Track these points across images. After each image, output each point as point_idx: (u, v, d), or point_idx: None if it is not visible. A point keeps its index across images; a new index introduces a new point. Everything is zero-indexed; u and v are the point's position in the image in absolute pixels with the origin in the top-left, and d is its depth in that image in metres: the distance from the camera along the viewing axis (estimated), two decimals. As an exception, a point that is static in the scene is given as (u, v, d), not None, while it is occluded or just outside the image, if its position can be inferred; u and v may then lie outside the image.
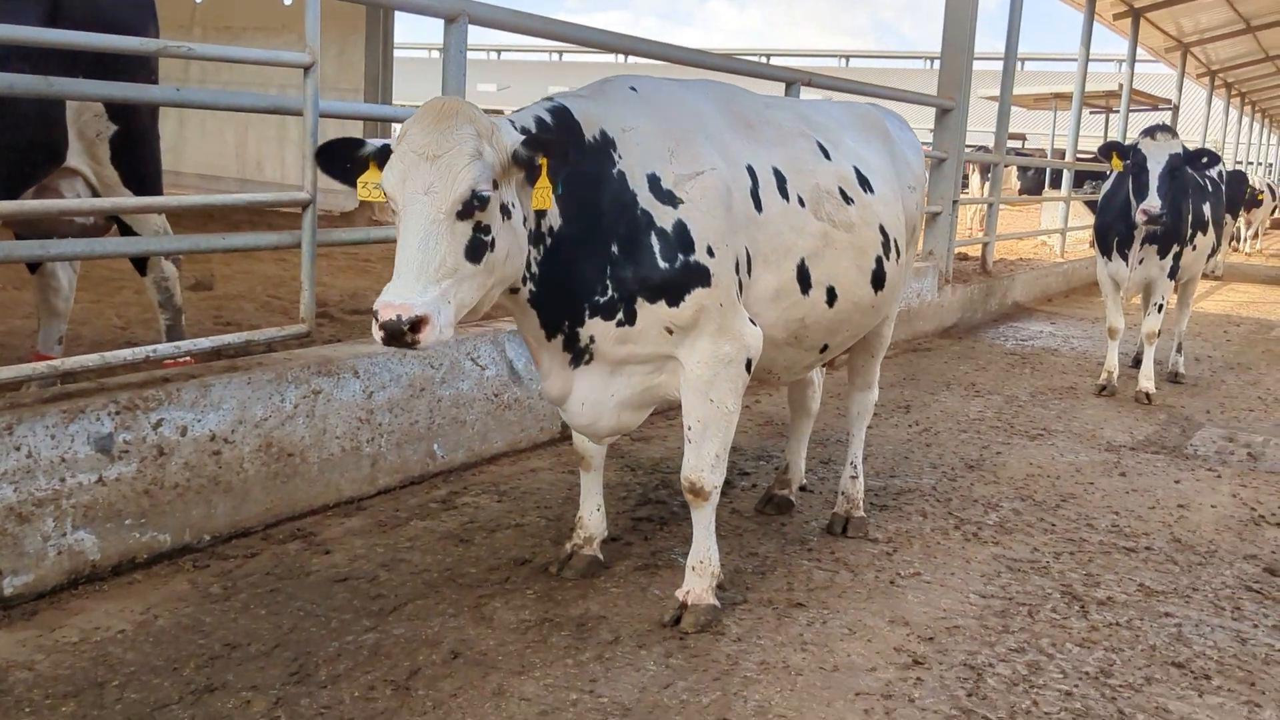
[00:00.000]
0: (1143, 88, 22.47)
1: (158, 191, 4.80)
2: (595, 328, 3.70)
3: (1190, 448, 7.12)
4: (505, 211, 3.31)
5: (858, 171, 4.44)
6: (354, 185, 3.54)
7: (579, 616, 4.02)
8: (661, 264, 3.63)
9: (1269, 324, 13.46)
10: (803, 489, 5.50)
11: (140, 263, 5.04)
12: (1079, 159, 17.04)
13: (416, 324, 3.06)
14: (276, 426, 4.54)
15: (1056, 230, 16.43)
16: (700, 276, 3.67)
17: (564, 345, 3.77)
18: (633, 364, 3.84)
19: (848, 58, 77.84)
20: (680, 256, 3.64)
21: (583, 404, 3.91)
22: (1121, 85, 18.69)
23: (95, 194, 4.60)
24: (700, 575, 4.05)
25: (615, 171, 3.62)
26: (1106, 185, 8.81)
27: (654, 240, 3.63)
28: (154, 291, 5.10)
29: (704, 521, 4.06)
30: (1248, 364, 10.52)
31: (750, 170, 3.96)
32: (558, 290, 3.63)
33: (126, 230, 4.81)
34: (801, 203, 4.10)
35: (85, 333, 7.21)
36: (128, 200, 4.43)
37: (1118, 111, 21.03)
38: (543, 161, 3.32)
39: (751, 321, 3.90)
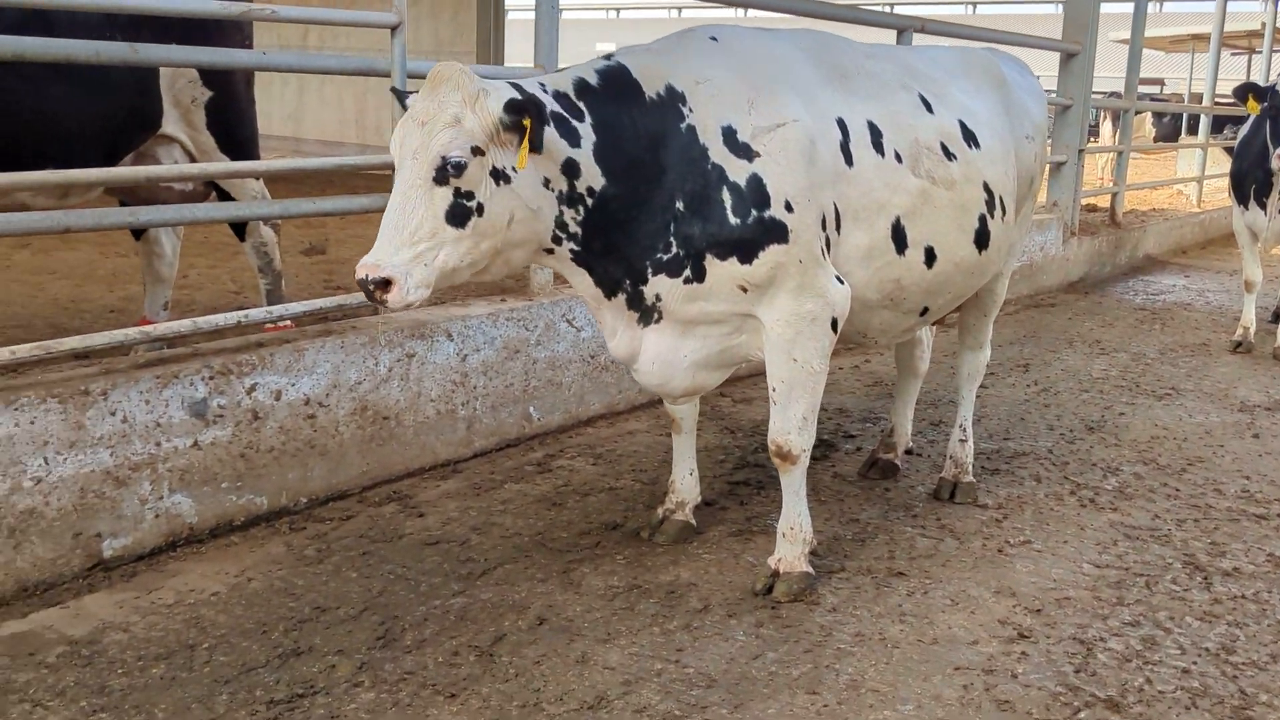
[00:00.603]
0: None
1: (254, 156, 4.83)
2: (660, 285, 3.60)
3: (1333, 408, 6.68)
4: (499, 176, 3.25)
5: (963, 125, 4.21)
6: None
7: (668, 583, 3.93)
8: (733, 220, 3.51)
9: None
10: (909, 452, 5.30)
11: (239, 228, 5.09)
12: (1218, 103, 16.15)
13: (383, 284, 3.11)
14: (371, 390, 4.54)
15: (1193, 178, 15.61)
16: (776, 232, 3.53)
17: (628, 303, 3.69)
18: (706, 323, 3.72)
19: (974, 3, 75.21)
20: (754, 212, 3.51)
21: (653, 363, 3.81)
22: (1264, 24, 17.61)
23: (192, 160, 4.64)
24: (792, 542, 3.92)
25: (684, 126, 3.50)
26: (1244, 129, 8.29)
27: (725, 195, 3.51)
28: (253, 256, 5.15)
29: (793, 486, 3.93)
30: (1401, 317, 9.84)
31: (841, 123, 3.78)
32: (610, 249, 3.56)
33: (224, 196, 4.86)
34: (899, 158, 3.91)
35: (199, 298, 7.39)
36: (219, 165, 4.46)
37: (1260, 52, 19.87)
38: (527, 123, 3.21)
39: (839, 280, 3.73)
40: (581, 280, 3.68)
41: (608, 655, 3.43)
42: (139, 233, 5.07)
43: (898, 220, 3.90)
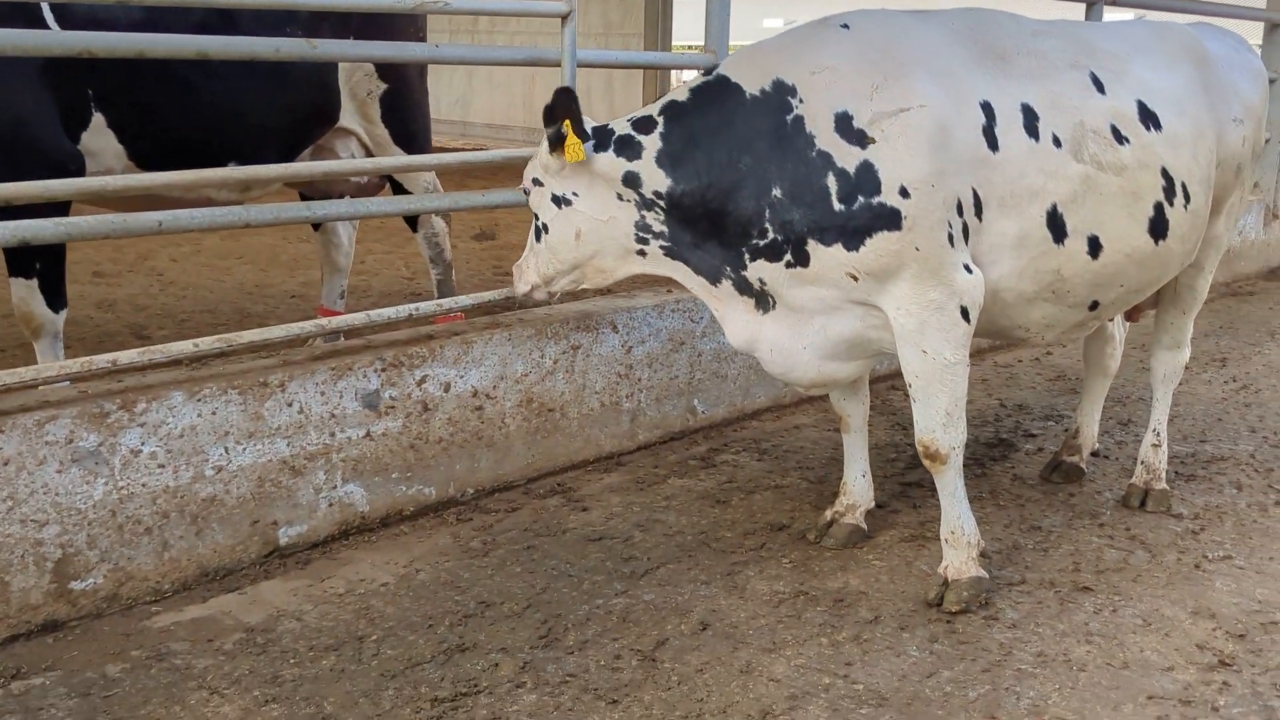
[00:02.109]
0: None
1: (427, 148, 4.88)
2: (761, 269, 3.65)
3: None
4: (559, 201, 3.78)
5: (1142, 106, 3.91)
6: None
7: (836, 591, 3.80)
8: (838, 206, 3.46)
9: None
10: (1095, 455, 5.01)
11: (412, 219, 5.15)
12: None
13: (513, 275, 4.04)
14: (537, 382, 4.54)
15: None
16: (886, 219, 3.43)
17: (738, 289, 3.75)
18: (823, 311, 3.66)
19: None
20: (861, 198, 3.44)
21: (771, 350, 3.80)
22: None
23: (368, 153, 4.71)
24: (955, 547, 3.75)
25: (790, 117, 3.54)
26: None
27: (830, 181, 3.47)
28: (425, 247, 5.20)
29: (948, 488, 3.76)
30: None
31: (986, 106, 3.59)
32: (701, 240, 3.71)
33: (398, 187, 4.92)
34: (1057, 142, 3.68)
35: (375, 283, 7.57)
36: (393, 160, 4.50)
37: None
38: (566, 124, 3.60)
39: (968, 268, 3.55)
40: (682, 273, 3.82)
41: (773, 666, 3.33)
42: (316, 224, 5.19)
43: (1054, 208, 3.67)
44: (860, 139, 3.46)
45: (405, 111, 4.78)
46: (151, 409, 3.49)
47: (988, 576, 3.76)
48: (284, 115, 4.30)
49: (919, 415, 3.70)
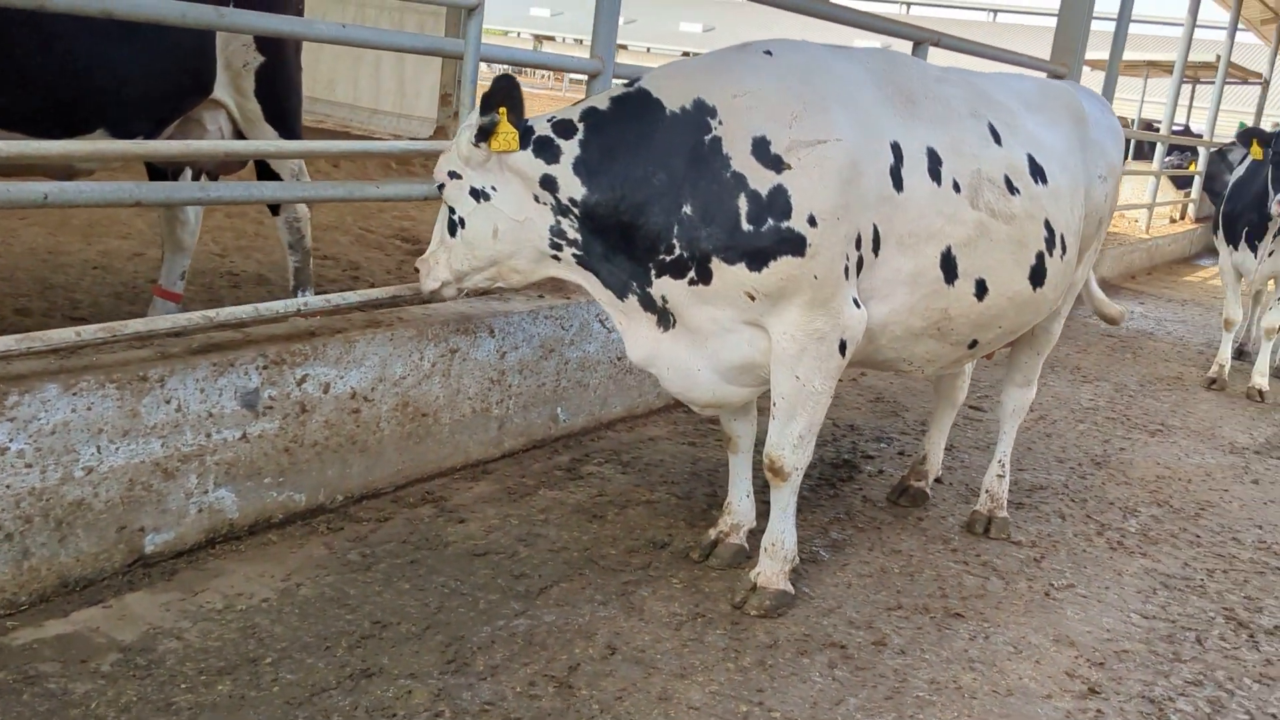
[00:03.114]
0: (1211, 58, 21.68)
1: (298, 127, 4.56)
2: (665, 286, 3.66)
3: (1316, 455, 6.83)
4: (477, 195, 3.69)
5: (1031, 160, 4.15)
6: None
7: (731, 613, 3.82)
8: (746, 226, 3.52)
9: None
10: (938, 480, 5.26)
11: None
12: (1174, 132, 16.44)
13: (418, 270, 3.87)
14: (414, 386, 4.34)
15: (1143, 205, 15.91)
16: (793, 245, 3.51)
17: (642, 304, 3.76)
18: (718, 331, 3.70)
19: (909, 4, 75.95)
20: (770, 221, 3.51)
21: (669, 369, 3.85)
22: (1219, 56, 17.98)
23: (235, 127, 4.36)
24: (772, 558, 3.91)
25: (707, 138, 3.56)
26: (1239, 171, 8.41)
27: (742, 202, 3.52)
28: (285, 232, 4.88)
29: (782, 502, 3.91)
30: (1351, 362, 10.13)
31: (895, 147, 3.73)
32: (611, 251, 3.68)
33: (264, 170, 4.59)
34: (956, 188, 3.86)
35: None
36: (267, 144, 4.18)
37: (1206, 83, 20.36)
38: (502, 112, 3.54)
39: (856, 303, 3.68)
40: (592, 284, 3.80)
41: (689, 693, 3.31)
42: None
43: (949, 250, 3.85)
44: (776, 164, 3.51)
45: (280, 87, 4.44)
46: (24, 403, 3.10)
47: (793, 592, 3.91)
48: (160, 81, 3.91)
49: (774, 432, 3.81)
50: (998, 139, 4.07)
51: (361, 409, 4.15)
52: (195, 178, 4.50)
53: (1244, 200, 8.11)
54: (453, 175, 3.70)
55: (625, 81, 3.84)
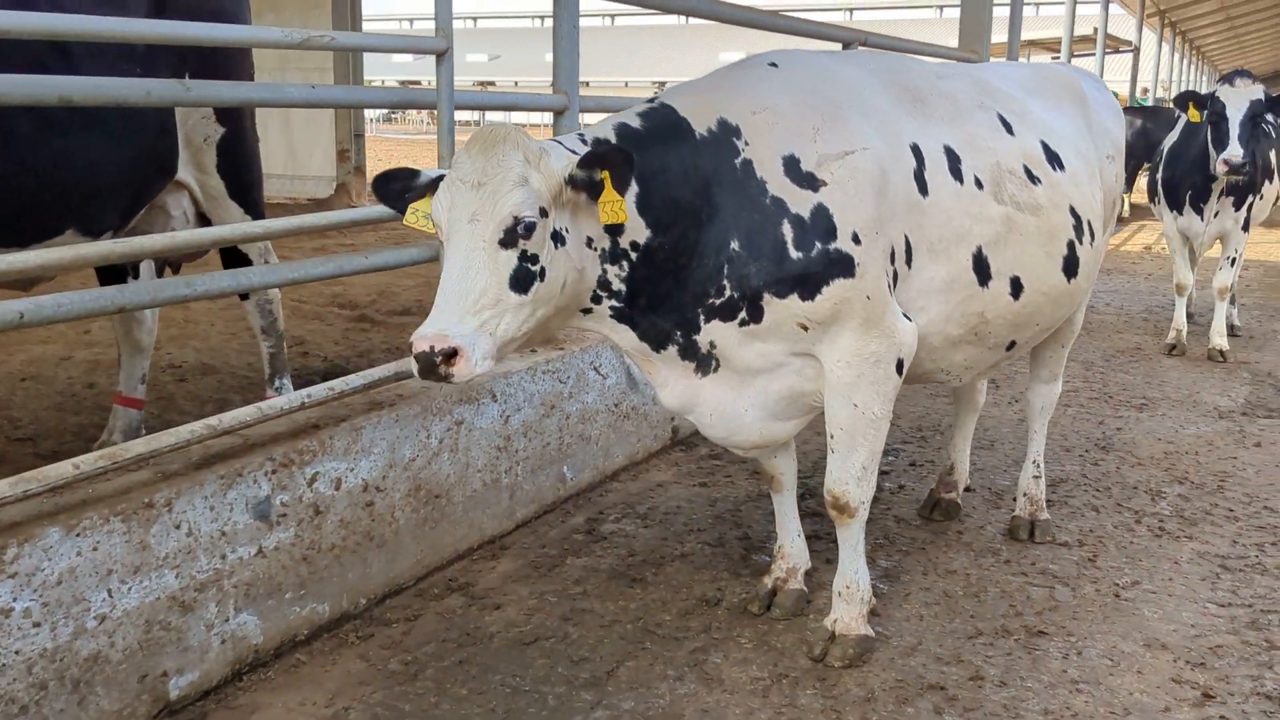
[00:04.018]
0: (1089, 31, 22.24)
1: (261, 203, 4.18)
2: (714, 331, 3.34)
3: (1298, 409, 6.81)
4: (558, 239, 3.05)
5: (1045, 146, 3.98)
6: (402, 212, 3.22)
7: (813, 668, 3.54)
8: (795, 254, 3.24)
9: (1269, 266, 13.28)
10: (968, 489, 5.05)
11: (238, 285, 4.41)
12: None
13: (450, 356, 2.83)
14: (424, 466, 3.99)
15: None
16: (842, 266, 3.26)
17: (681, 354, 3.40)
18: (767, 369, 3.42)
19: (851, 10, 77.03)
20: (818, 245, 3.25)
21: (712, 415, 3.53)
22: (1096, 29, 18.42)
23: (198, 209, 3.97)
24: (849, 601, 3.64)
25: (739, 161, 3.26)
26: (1173, 136, 8.45)
27: (786, 229, 3.24)
28: (256, 317, 4.47)
29: (851, 541, 3.66)
30: (1285, 310, 10.30)
31: (915, 150, 3.52)
32: (657, 302, 3.30)
33: (230, 252, 4.19)
34: (979, 184, 3.66)
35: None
36: (254, 225, 3.77)
37: (1084, 55, 20.84)
38: (604, 175, 3.00)
39: (906, 317, 3.46)
40: (624, 336, 3.40)
41: (806, 768, 3.02)
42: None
43: (980, 250, 3.65)
44: (811, 182, 3.27)
45: (242, 160, 4.05)
46: (24, 554, 2.69)
47: (873, 635, 3.65)
48: (129, 169, 3.50)
49: (835, 467, 3.55)
50: (1009, 129, 3.89)
51: (375, 500, 3.78)
52: (159, 270, 4.08)
53: (1184, 164, 8.12)
54: (543, 213, 2.97)
55: (650, 97, 3.47)
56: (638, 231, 3.18)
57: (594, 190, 3.01)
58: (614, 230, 3.14)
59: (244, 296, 4.43)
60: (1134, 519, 4.89)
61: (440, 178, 3.09)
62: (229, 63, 3.81)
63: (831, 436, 3.50)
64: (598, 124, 3.36)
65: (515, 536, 4.51)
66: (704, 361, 3.41)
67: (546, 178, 2.97)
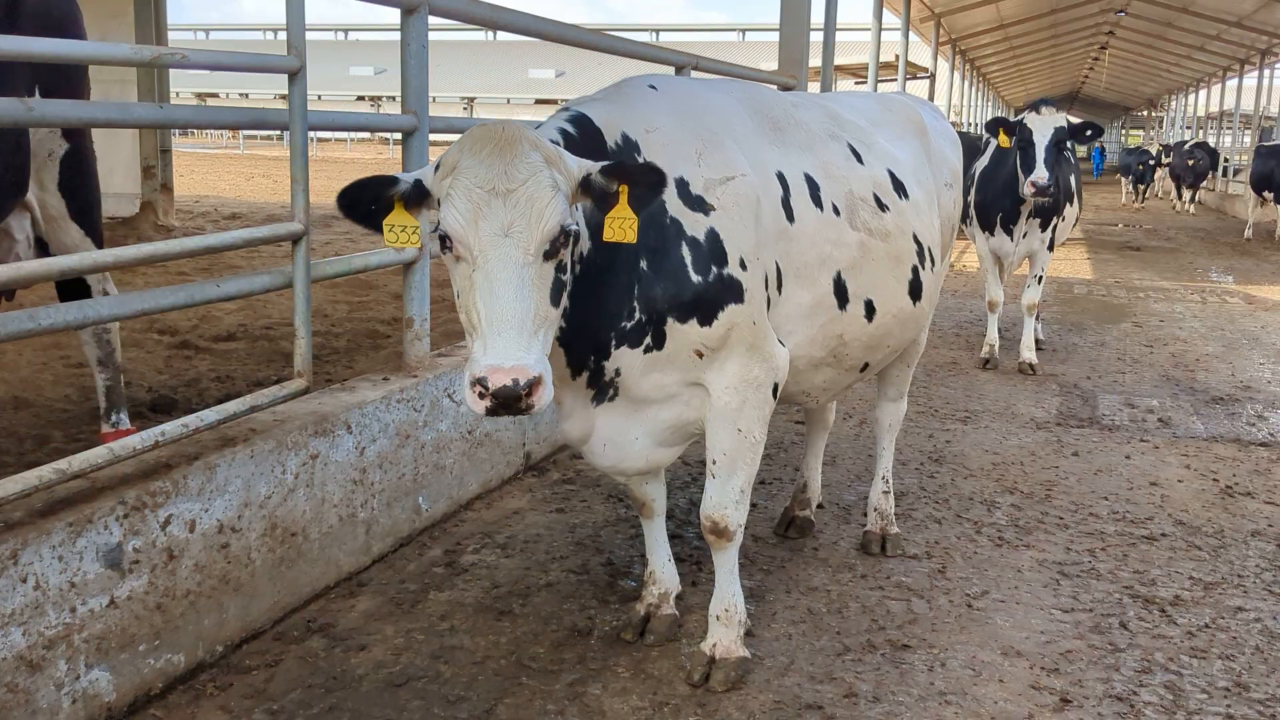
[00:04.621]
0: (891, 58, 23.30)
1: (99, 224, 3.90)
2: (622, 358, 3.28)
3: (1105, 418, 7.26)
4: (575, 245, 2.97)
5: (892, 175, 4.13)
6: (377, 229, 2.96)
7: (693, 694, 3.54)
8: (694, 278, 3.24)
9: (1063, 282, 14.14)
10: (820, 506, 5.16)
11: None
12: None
13: (532, 386, 2.66)
14: (280, 503, 3.80)
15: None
16: (734, 291, 3.30)
17: (588, 382, 3.35)
18: (659, 399, 3.42)
19: (658, 31, 77.75)
20: (714, 269, 3.27)
21: (605, 445, 3.51)
22: (898, 55, 19.28)
23: (37, 229, 3.67)
24: (728, 625, 3.67)
25: None
26: (983, 161, 8.89)
27: (685, 251, 3.24)
28: (93, 348, 4.17)
29: (728, 565, 3.69)
30: (1081, 324, 10.97)
31: (781, 177, 3.61)
32: (586, 321, 3.19)
33: (67, 281, 3.88)
34: (836, 211, 3.78)
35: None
36: (80, 258, 3.48)
37: (888, 80, 21.77)
38: (622, 190, 2.91)
39: (780, 343, 3.54)
40: (555, 361, 3.14)
41: (698, 797, 3.01)
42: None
43: (839, 275, 3.77)
44: (701, 205, 3.28)
45: (83, 178, 3.75)
46: None
47: (750, 656, 3.70)
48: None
49: (715, 491, 3.57)
50: (859, 158, 4.02)
51: (231, 542, 3.58)
52: (-8, 299, 3.77)
53: (995, 189, 8.56)
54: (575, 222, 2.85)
55: (563, 108, 3.36)
56: (584, 242, 3.07)
57: (605, 201, 2.91)
58: (573, 240, 2.91)
59: (79, 326, 4.12)
60: (974, 529, 5.09)
61: (419, 185, 2.88)
62: (78, 78, 3.55)
63: (714, 462, 3.51)
64: (540, 126, 3.19)
65: (373, 572, 4.36)
66: (603, 390, 3.36)
67: (566, 179, 2.84)
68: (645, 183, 2.90)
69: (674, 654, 3.78)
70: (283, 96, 3.71)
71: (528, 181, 2.72)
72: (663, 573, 3.96)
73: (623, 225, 2.91)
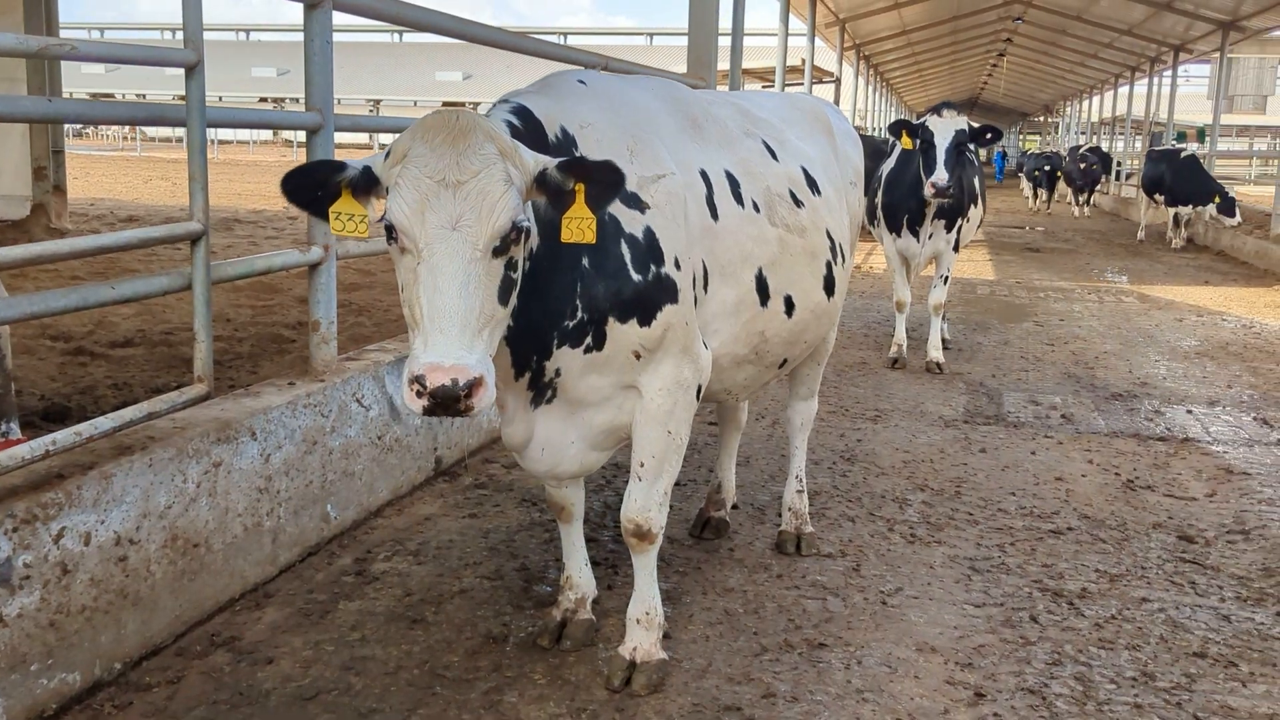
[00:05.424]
0: (797, 62, 23.55)
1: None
2: (563, 358, 3.24)
3: (1010, 415, 7.39)
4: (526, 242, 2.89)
5: (805, 172, 4.16)
6: (323, 216, 2.86)
7: (611, 699, 3.50)
8: (634, 276, 3.21)
9: (967, 283, 14.41)
10: (734, 507, 5.15)
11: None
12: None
13: (472, 387, 2.59)
14: (180, 514, 3.66)
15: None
16: (670, 291, 3.29)
17: (529, 383, 3.30)
18: (595, 401, 3.39)
19: (565, 34, 77.29)
20: (652, 268, 3.25)
21: (542, 449, 3.47)
22: (804, 60, 19.48)
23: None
24: (648, 628, 3.65)
25: None
26: (890, 163, 9.00)
27: (624, 249, 3.21)
28: (-22, 355, 3.99)
29: (648, 567, 3.68)
30: (985, 324, 11.18)
31: (704, 175, 3.60)
32: (532, 320, 3.13)
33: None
34: (756, 208, 3.79)
35: None
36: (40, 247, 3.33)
37: (794, 84, 21.99)
38: (579, 188, 2.84)
39: (705, 344, 3.54)
40: (501, 362, 3.14)
41: (618, 804, 2.96)
42: None
43: (760, 271, 3.78)
44: (636, 203, 3.25)
45: None
46: None
47: (668, 659, 3.68)
48: None
49: (639, 495, 3.54)
50: (774, 155, 4.03)
51: (129, 554, 3.44)
52: None
53: (901, 190, 8.67)
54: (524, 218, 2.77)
55: (502, 99, 3.27)
56: (533, 237, 2.98)
57: (560, 199, 2.83)
58: (523, 236, 2.81)
59: (-40, 333, 3.96)
60: (887, 527, 5.13)
61: (367, 171, 2.79)
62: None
63: (641, 464, 3.47)
64: (490, 115, 3.10)
65: (280, 583, 4.23)
66: (542, 391, 3.31)
67: (522, 173, 2.76)
68: (604, 180, 2.85)
69: (591, 659, 3.74)
70: (181, 98, 3.58)
71: (480, 174, 2.64)
72: (579, 577, 3.90)
73: (580, 225, 2.86)
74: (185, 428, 3.78)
